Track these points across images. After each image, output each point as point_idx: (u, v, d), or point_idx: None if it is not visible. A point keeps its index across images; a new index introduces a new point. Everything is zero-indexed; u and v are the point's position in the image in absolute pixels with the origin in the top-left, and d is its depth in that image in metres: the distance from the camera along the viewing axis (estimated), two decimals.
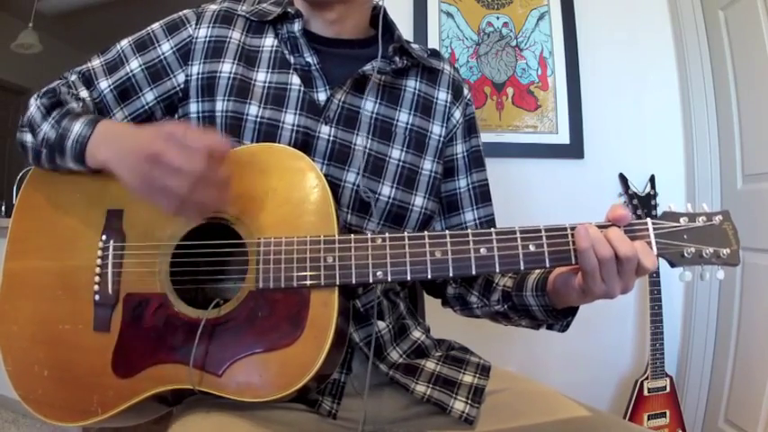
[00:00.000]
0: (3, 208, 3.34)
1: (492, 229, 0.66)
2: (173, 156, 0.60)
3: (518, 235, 0.66)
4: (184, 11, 0.84)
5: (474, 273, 0.66)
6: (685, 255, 0.65)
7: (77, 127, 0.72)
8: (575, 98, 1.84)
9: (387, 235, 0.67)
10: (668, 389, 1.72)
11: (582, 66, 1.85)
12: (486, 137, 1.81)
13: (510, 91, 1.84)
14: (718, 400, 1.76)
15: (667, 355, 1.72)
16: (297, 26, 0.81)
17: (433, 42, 1.82)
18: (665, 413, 1.71)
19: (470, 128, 0.91)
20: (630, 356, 1.86)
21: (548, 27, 1.86)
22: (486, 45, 1.85)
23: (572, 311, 0.75)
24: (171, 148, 0.61)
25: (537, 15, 1.86)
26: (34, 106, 0.78)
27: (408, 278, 0.66)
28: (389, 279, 0.66)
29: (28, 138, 0.78)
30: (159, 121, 0.83)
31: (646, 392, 1.70)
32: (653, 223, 0.66)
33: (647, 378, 1.70)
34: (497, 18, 1.86)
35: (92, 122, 0.72)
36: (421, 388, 0.78)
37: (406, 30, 1.81)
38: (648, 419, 1.69)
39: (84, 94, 0.81)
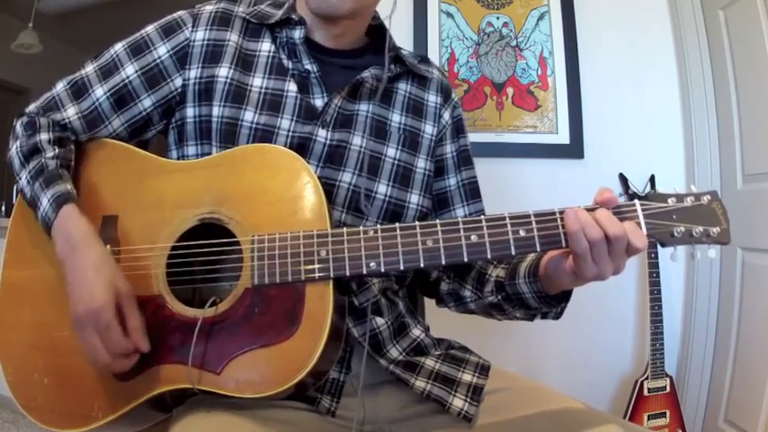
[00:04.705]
0: (3, 208, 3.34)
1: (482, 217, 0.67)
2: (86, 338, 0.66)
3: (508, 221, 0.66)
4: (179, 12, 0.83)
5: (466, 260, 0.66)
6: (675, 234, 0.65)
7: (45, 202, 0.71)
8: (575, 98, 1.84)
9: (378, 227, 0.68)
10: (668, 389, 1.71)
11: (582, 66, 1.85)
12: (486, 137, 1.83)
13: (510, 91, 1.84)
14: (718, 400, 1.76)
15: (667, 355, 1.72)
16: (298, 33, 0.81)
17: (432, 42, 1.82)
18: (665, 413, 1.70)
19: (458, 129, 0.93)
20: (630, 356, 1.86)
21: (548, 27, 1.86)
22: (486, 45, 1.84)
23: (565, 297, 0.75)
24: (88, 329, 0.65)
25: (537, 15, 1.86)
26: (14, 148, 0.77)
27: (402, 267, 0.67)
28: (383, 269, 0.67)
29: None
30: (156, 126, 0.83)
31: (646, 392, 1.70)
32: (641, 204, 0.66)
33: (647, 378, 1.70)
34: (497, 18, 1.85)
35: (58, 203, 0.70)
36: (420, 384, 0.78)
37: (406, 30, 1.81)
38: (648, 419, 1.68)
39: (71, 112, 0.79)
